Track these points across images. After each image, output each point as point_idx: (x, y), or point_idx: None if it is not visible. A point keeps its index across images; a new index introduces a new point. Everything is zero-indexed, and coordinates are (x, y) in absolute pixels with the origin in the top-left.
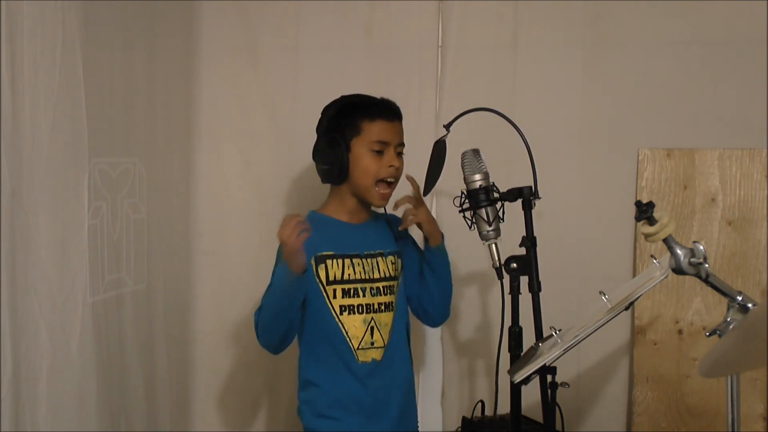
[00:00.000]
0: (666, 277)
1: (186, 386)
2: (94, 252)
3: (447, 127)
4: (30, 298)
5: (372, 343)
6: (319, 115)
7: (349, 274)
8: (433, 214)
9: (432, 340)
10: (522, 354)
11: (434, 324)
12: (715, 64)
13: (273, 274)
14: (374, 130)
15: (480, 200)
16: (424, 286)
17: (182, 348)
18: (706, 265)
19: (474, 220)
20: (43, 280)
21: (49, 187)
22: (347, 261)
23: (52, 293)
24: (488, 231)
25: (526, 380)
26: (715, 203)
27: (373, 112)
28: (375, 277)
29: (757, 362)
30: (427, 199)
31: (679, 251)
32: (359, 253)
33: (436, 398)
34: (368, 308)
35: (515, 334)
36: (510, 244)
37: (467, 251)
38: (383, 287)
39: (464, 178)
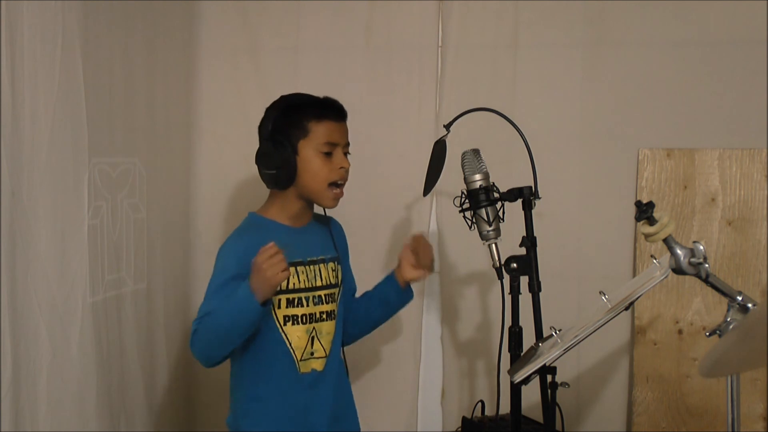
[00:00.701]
0: (666, 277)
1: (186, 386)
2: (94, 252)
3: (447, 127)
4: (30, 298)
5: (312, 353)
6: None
7: (293, 283)
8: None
9: (432, 340)
10: (522, 354)
11: (345, 343)
12: (715, 64)
13: (224, 288)
14: (322, 131)
15: (480, 200)
16: (361, 308)
17: (182, 348)
18: (706, 265)
19: (474, 220)
20: (43, 280)
21: (49, 187)
22: (291, 269)
23: (52, 293)
24: (488, 231)
25: (526, 380)
26: (715, 203)
27: (321, 113)
28: (317, 285)
29: (757, 362)
30: (427, 199)
31: (679, 251)
32: (303, 259)
33: (436, 398)
34: (310, 318)
35: (515, 334)
36: (510, 244)
37: (467, 251)
38: (325, 295)
39: (464, 178)
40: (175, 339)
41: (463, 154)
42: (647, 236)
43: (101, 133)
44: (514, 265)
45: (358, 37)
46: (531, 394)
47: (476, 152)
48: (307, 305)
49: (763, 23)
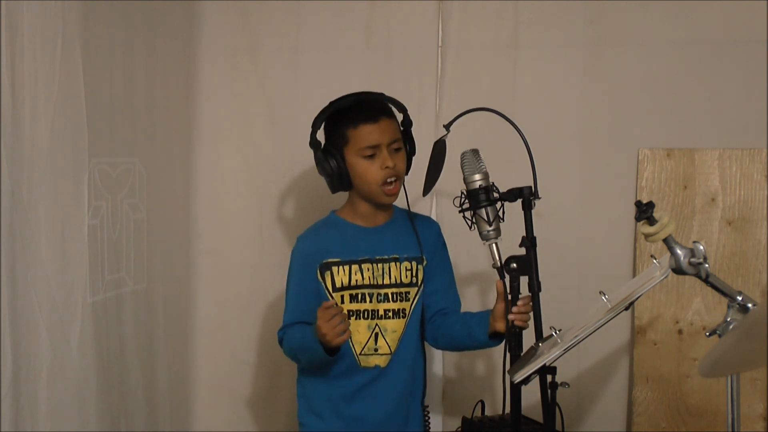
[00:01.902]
0: (666, 277)
1: (186, 386)
2: (94, 252)
3: (447, 127)
4: (30, 298)
5: (376, 350)
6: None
7: (356, 280)
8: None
9: None
10: (522, 354)
11: (426, 339)
12: (715, 64)
13: (297, 298)
14: (360, 137)
15: (480, 200)
16: (453, 327)
17: (182, 348)
18: (706, 265)
19: (474, 220)
20: (43, 280)
21: (49, 187)
22: (354, 267)
23: (52, 293)
24: (488, 231)
25: (526, 380)
26: (715, 203)
27: (355, 119)
28: (384, 282)
29: (757, 362)
30: (427, 199)
31: (679, 251)
32: (370, 257)
33: (437, 398)
34: (373, 314)
35: (515, 334)
36: (510, 244)
37: (467, 251)
38: (392, 294)
39: (464, 178)
40: (175, 339)
41: (463, 154)
42: (647, 236)
43: (101, 133)
44: (514, 265)
45: (358, 37)
46: (531, 394)
47: (476, 152)
48: (371, 301)
49: (763, 23)
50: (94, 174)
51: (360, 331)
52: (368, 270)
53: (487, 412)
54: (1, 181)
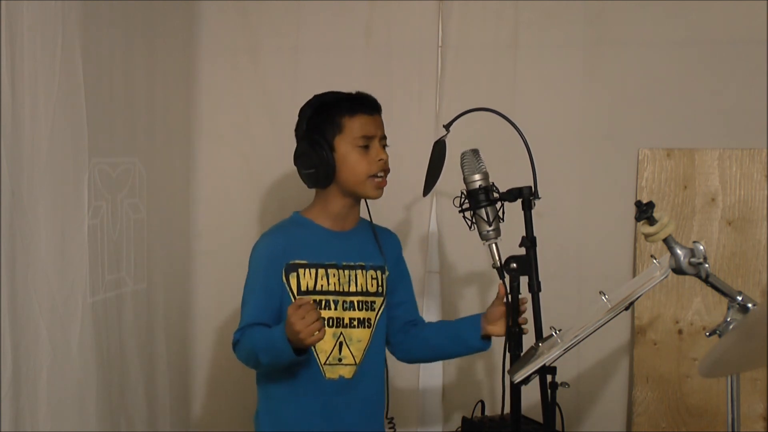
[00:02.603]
0: (666, 277)
1: (186, 386)
2: (94, 252)
3: (447, 127)
4: (30, 298)
5: (340, 359)
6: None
7: (321, 285)
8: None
9: None
10: (522, 354)
11: (393, 353)
12: (715, 64)
13: (256, 295)
14: (357, 126)
15: (480, 200)
16: (432, 335)
17: (182, 348)
18: (706, 265)
19: (474, 220)
20: (43, 280)
21: (49, 187)
22: (321, 271)
23: (52, 293)
24: (488, 231)
25: (526, 380)
26: (715, 203)
27: (353, 107)
28: (350, 290)
29: (757, 362)
30: (426, 200)
31: (679, 251)
32: (336, 263)
33: (437, 398)
34: (338, 322)
35: (515, 334)
36: (510, 244)
37: (467, 251)
38: (358, 302)
39: (464, 178)
40: (175, 339)
41: (463, 154)
42: (647, 236)
43: (101, 133)
44: (514, 265)
45: (358, 37)
46: (531, 394)
47: (476, 152)
48: (336, 309)
49: (763, 23)
50: (94, 174)
51: (325, 340)
52: (334, 276)
53: (487, 412)
54: (1, 181)
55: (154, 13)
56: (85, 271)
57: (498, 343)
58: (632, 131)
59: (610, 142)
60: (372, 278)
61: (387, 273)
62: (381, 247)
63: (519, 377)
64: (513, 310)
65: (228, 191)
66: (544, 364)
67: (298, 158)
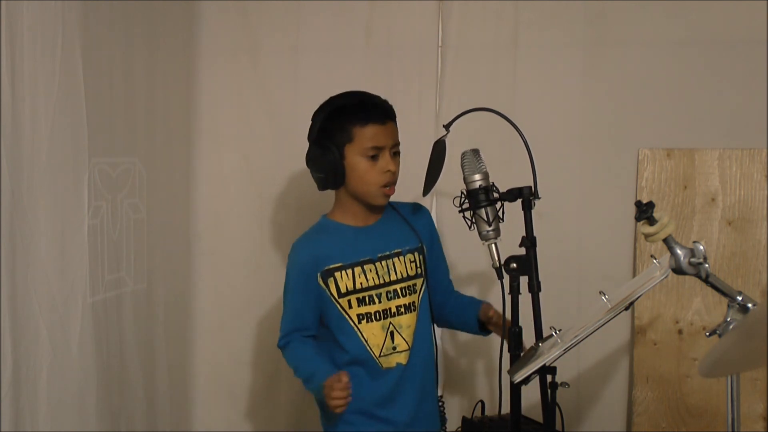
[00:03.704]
0: (666, 277)
1: (186, 386)
2: (94, 252)
3: (447, 127)
4: (30, 298)
5: (394, 348)
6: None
7: (361, 283)
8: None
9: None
10: (522, 354)
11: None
12: (715, 64)
13: (294, 308)
14: (367, 136)
15: (480, 200)
16: (448, 306)
17: (182, 348)
18: (706, 265)
19: (474, 220)
20: (43, 280)
21: (49, 187)
22: (357, 269)
23: (52, 293)
24: (488, 231)
25: (526, 380)
26: (715, 203)
27: (364, 117)
28: (391, 279)
29: (757, 362)
30: (427, 199)
31: (679, 251)
32: (372, 257)
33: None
34: (385, 314)
35: (515, 334)
36: (510, 244)
37: (467, 251)
38: (401, 289)
39: (464, 178)
40: (175, 339)
41: (463, 154)
42: (647, 236)
43: (101, 133)
44: (514, 265)
45: (358, 37)
46: (531, 394)
47: (476, 152)
48: (380, 302)
49: (763, 23)
50: (94, 174)
51: (375, 334)
52: (371, 271)
53: (487, 412)
54: (1, 181)
55: (154, 13)
56: (85, 271)
57: (494, 343)
58: (632, 131)
59: (610, 142)
60: (410, 261)
61: (426, 251)
62: (414, 228)
63: (519, 377)
64: (513, 310)
65: (228, 191)
66: (544, 364)
67: (309, 161)
